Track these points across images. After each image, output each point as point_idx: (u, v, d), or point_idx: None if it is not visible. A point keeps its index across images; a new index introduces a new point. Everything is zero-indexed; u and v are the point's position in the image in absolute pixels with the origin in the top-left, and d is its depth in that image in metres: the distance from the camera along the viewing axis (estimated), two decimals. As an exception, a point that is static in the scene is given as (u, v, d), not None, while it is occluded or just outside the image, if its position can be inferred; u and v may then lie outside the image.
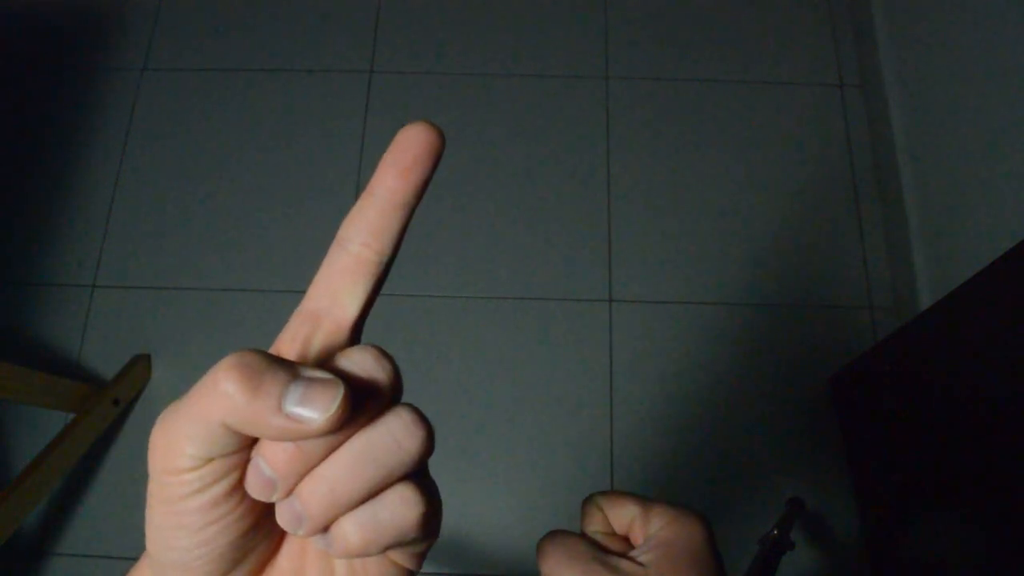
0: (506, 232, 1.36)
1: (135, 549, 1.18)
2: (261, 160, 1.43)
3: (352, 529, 0.20)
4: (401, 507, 0.21)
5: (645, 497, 0.33)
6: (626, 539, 0.33)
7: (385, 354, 0.21)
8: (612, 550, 0.32)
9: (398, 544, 0.21)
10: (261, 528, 0.22)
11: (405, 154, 0.22)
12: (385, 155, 0.22)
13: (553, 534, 0.32)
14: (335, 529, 0.21)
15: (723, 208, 1.37)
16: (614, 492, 0.34)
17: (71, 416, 1.16)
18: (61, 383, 1.12)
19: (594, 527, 0.34)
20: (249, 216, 1.38)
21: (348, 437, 0.20)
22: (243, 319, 1.30)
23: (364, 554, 0.21)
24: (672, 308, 1.31)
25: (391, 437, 0.20)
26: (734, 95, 1.46)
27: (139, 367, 1.25)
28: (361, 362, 0.20)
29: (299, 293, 0.22)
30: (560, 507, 1.19)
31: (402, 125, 0.23)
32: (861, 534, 1.16)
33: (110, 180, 1.42)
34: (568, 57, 1.50)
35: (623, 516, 0.33)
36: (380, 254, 0.22)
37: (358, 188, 1.39)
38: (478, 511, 1.19)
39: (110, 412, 1.20)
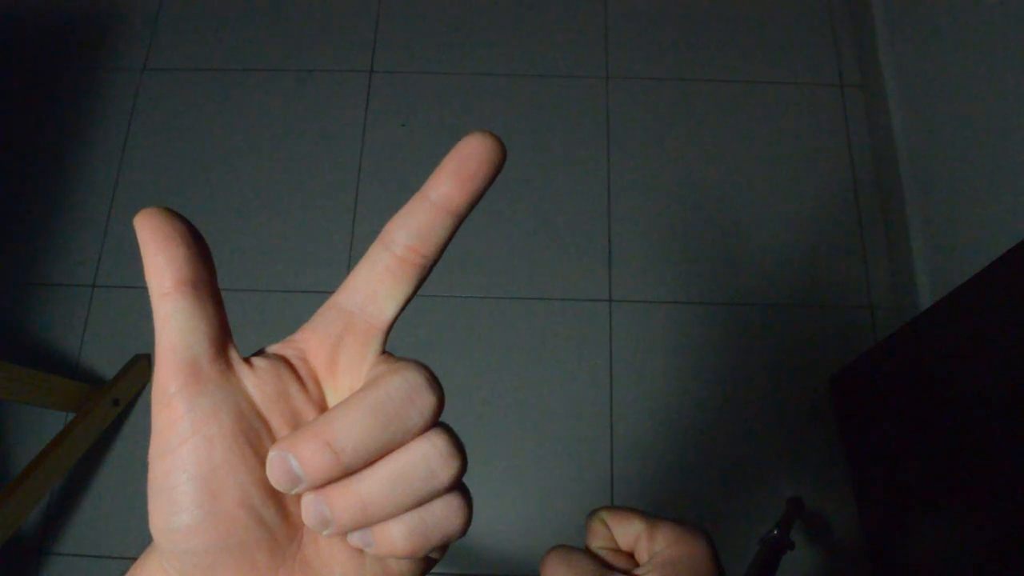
0: (506, 232, 1.36)
1: (135, 549, 1.18)
2: (261, 160, 1.43)
3: (400, 536, 0.21)
4: (448, 513, 0.21)
5: (650, 514, 0.33)
6: (630, 555, 0.33)
7: (435, 381, 0.21)
8: (616, 567, 0.32)
9: (442, 546, 0.22)
10: (267, 494, 0.21)
11: (467, 162, 0.21)
12: (445, 161, 0.22)
13: (557, 549, 0.32)
14: (381, 535, 0.21)
15: (723, 208, 1.37)
16: (619, 508, 0.34)
17: (71, 416, 1.16)
18: (61, 383, 1.12)
19: (598, 543, 0.34)
20: (249, 216, 1.38)
21: (388, 453, 0.20)
22: (243, 319, 1.30)
23: (408, 557, 0.21)
24: (672, 308, 1.31)
25: (426, 465, 0.20)
26: (734, 95, 1.46)
27: (139, 367, 1.25)
28: (414, 382, 0.20)
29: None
30: (560, 507, 1.19)
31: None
32: (861, 534, 1.16)
33: (110, 180, 1.42)
34: (568, 57, 1.49)
35: (628, 532, 0.33)
36: (425, 258, 0.22)
37: (358, 188, 1.40)
38: (477, 510, 1.19)
39: (110, 412, 1.20)
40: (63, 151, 1.44)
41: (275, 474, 0.20)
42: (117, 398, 1.20)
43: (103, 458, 1.23)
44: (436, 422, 0.21)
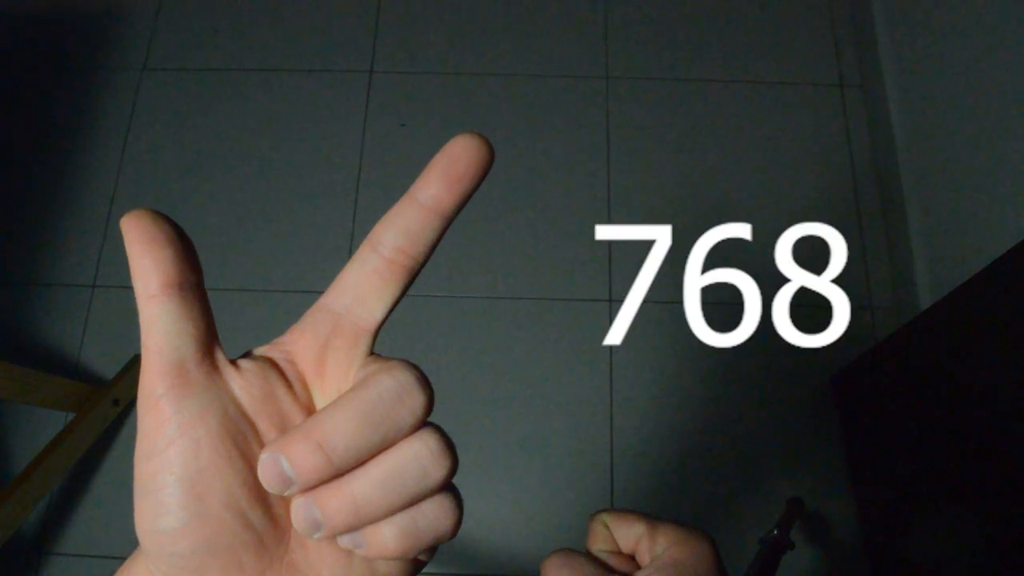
0: (506, 232, 1.36)
1: (134, 549, 1.18)
2: (261, 160, 1.43)
3: (391, 537, 0.21)
4: (439, 514, 0.21)
5: (652, 516, 0.33)
6: (632, 558, 0.33)
7: (425, 380, 0.21)
8: (617, 569, 0.31)
9: (431, 547, 0.22)
10: (252, 495, 0.21)
11: (456, 164, 0.21)
12: (433, 162, 0.22)
13: (558, 553, 0.31)
14: (371, 537, 0.21)
15: (722, 208, 1.37)
16: (620, 510, 0.34)
17: (71, 416, 1.16)
18: (61, 383, 1.12)
19: (599, 545, 0.33)
20: (249, 216, 1.38)
21: (378, 453, 0.20)
22: (243, 319, 1.30)
23: (399, 558, 0.21)
24: (672, 308, 1.31)
25: (418, 465, 0.20)
26: (734, 95, 1.46)
27: (139, 367, 1.25)
28: (404, 381, 0.21)
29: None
30: (560, 507, 1.19)
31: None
32: (861, 534, 1.16)
33: (110, 180, 1.42)
34: (568, 57, 1.49)
35: (629, 535, 0.33)
36: (413, 260, 0.22)
37: (358, 188, 1.39)
38: (477, 510, 1.19)
39: (110, 412, 1.20)
40: (63, 151, 1.44)
41: (267, 476, 0.20)
42: (117, 398, 1.20)
43: (103, 458, 1.23)
44: (426, 421, 0.21)
